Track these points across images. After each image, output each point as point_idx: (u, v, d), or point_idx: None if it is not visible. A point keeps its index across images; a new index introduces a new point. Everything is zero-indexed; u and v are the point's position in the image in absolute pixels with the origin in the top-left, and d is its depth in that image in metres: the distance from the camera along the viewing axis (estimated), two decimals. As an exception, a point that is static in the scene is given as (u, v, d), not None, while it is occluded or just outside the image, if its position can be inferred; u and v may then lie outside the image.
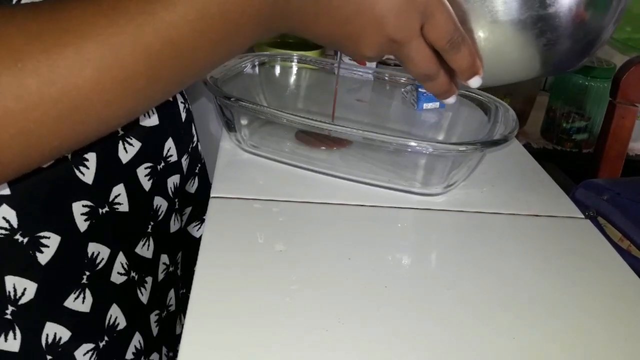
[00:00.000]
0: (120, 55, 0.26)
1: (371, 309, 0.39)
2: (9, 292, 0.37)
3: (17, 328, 0.37)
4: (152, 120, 0.47)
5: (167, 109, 0.51)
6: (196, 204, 0.58)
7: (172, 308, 0.56)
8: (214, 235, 0.44)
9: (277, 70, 0.68)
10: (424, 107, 0.67)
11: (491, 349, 0.37)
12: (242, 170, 0.55)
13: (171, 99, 0.51)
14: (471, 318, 0.39)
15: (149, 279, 0.50)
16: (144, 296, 0.49)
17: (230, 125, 0.57)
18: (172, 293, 0.56)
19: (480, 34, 0.36)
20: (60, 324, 0.40)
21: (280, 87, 0.69)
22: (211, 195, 0.50)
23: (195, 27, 0.28)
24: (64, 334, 0.41)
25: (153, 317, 0.52)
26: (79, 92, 0.26)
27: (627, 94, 0.59)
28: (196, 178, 0.59)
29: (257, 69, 0.67)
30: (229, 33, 0.30)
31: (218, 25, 0.29)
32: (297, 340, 0.35)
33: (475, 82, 0.38)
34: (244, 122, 0.56)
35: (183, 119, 0.54)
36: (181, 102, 0.55)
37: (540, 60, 0.37)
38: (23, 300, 0.38)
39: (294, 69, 0.69)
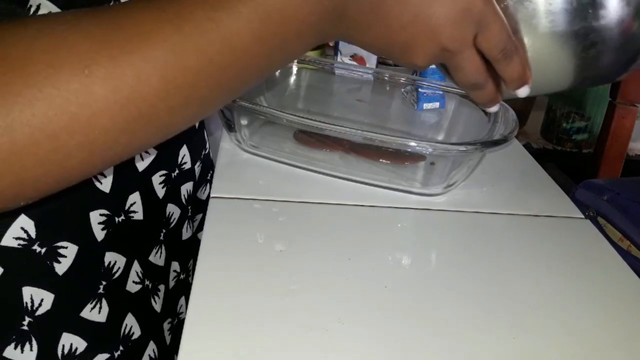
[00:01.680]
0: (185, 63, 0.26)
1: (371, 309, 0.39)
2: (26, 303, 0.37)
3: (33, 339, 0.37)
4: None
5: None
6: (207, 211, 0.58)
7: (183, 316, 0.56)
8: (214, 235, 0.44)
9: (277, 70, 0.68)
10: (424, 107, 0.67)
11: (491, 349, 0.37)
12: (242, 170, 0.55)
13: None
14: (471, 318, 0.39)
15: (162, 287, 0.50)
16: (157, 304, 0.49)
17: (230, 125, 0.57)
18: (182, 300, 0.56)
19: (530, 44, 0.36)
20: (77, 335, 0.40)
21: (280, 87, 0.69)
22: (211, 195, 0.50)
23: (257, 34, 0.28)
24: (80, 345, 0.40)
25: (166, 326, 0.52)
26: (144, 99, 0.26)
27: (627, 94, 0.59)
28: (207, 185, 0.58)
29: (257, 69, 0.67)
30: (288, 40, 0.30)
31: (279, 32, 0.29)
32: (297, 340, 0.35)
33: (523, 91, 0.38)
34: (244, 122, 0.56)
35: (197, 126, 0.54)
36: None
37: (585, 71, 0.37)
38: (40, 311, 0.38)
39: (294, 69, 0.69)
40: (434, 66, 0.72)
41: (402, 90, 0.69)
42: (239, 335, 0.35)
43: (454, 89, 0.65)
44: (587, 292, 0.43)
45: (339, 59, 0.76)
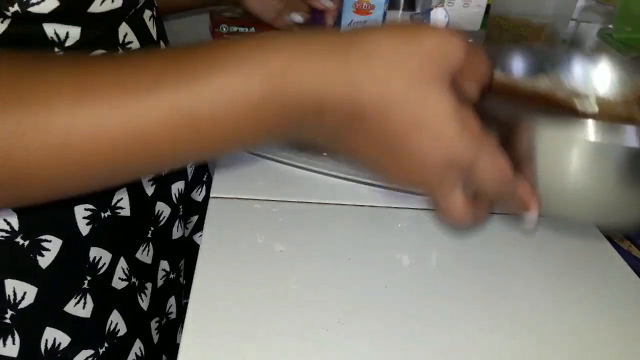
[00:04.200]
0: (77, 136, 0.25)
1: (371, 309, 0.38)
2: (9, 296, 0.37)
3: (16, 333, 0.37)
4: None
5: None
6: (203, 213, 0.58)
7: (173, 316, 0.56)
8: (214, 236, 0.44)
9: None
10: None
11: (491, 349, 0.36)
12: (242, 170, 0.55)
13: None
14: (471, 317, 0.39)
15: (149, 285, 0.50)
16: (144, 302, 0.49)
17: (230, 125, 0.57)
18: (172, 300, 0.55)
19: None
20: (60, 330, 0.40)
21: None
22: (211, 196, 0.50)
23: (170, 135, 0.26)
24: (64, 340, 0.40)
25: (153, 324, 0.51)
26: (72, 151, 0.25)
27: (627, 93, 0.59)
28: (203, 186, 0.58)
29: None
30: (214, 145, 0.28)
31: (197, 139, 0.27)
32: (297, 340, 0.35)
33: (529, 219, 0.33)
34: (244, 122, 0.56)
35: None
36: None
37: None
38: (23, 305, 0.38)
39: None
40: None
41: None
42: (238, 335, 0.35)
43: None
44: (587, 292, 0.43)
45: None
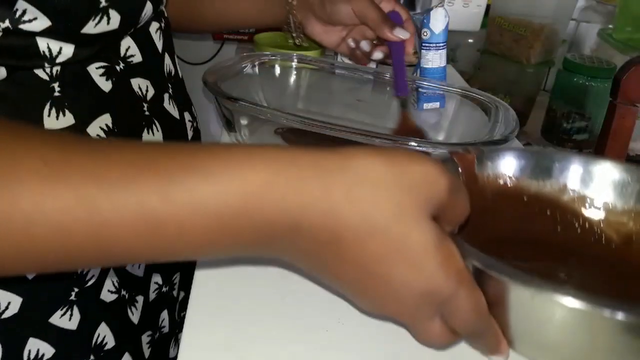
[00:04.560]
0: (40, 223, 0.24)
1: (371, 309, 0.38)
2: None
3: None
4: (157, 137, 0.47)
5: (173, 127, 0.50)
6: None
7: (165, 330, 0.55)
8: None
9: (277, 70, 0.68)
10: (424, 107, 0.67)
11: (491, 349, 0.36)
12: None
13: (178, 117, 0.51)
14: (471, 318, 0.39)
15: (140, 298, 0.49)
16: (134, 316, 0.48)
17: (230, 125, 0.57)
18: (165, 314, 0.55)
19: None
20: (45, 341, 0.40)
21: (280, 87, 0.69)
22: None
23: (136, 233, 0.25)
24: (48, 351, 0.40)
25: (145, 338, 0.50)
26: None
27: (628, 94, 0.59)
28: None
29: (257, 69, 0.67)
30: (184, 249, 0.27)
31: (165, 241, 0.26)
32: (297, 340, 0.35)
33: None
34: (243, 122, 0.56)
35: (190, 138, 0.54)
36: (189, 121, 0.54)
37: None
38: (6, 314, 0.37)
39: (294, 69, 0.69)
40: (434, 66, 0.72)
41: (402, 90, 0.69)
42: (238, 335, 0.35)
43: (454, 89, 0.65)
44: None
45: (339, 59, 0.75)
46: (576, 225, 0.45)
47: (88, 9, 0.37)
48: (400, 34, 0.63)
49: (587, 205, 0.45)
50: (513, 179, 0.46)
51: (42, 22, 0.35)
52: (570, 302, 0.28)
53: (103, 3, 0.37)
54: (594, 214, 0.45)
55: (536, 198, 0.46)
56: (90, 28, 0.37)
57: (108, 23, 0.38)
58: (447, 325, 0.30)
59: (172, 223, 0.25)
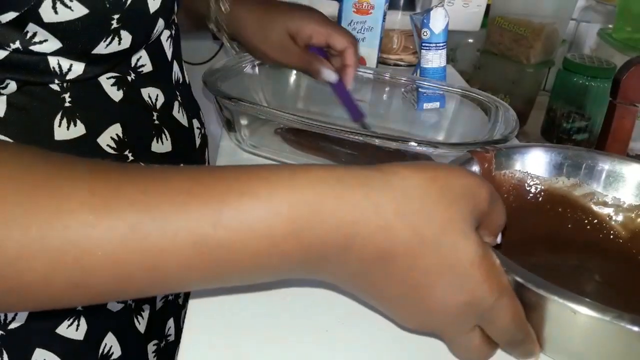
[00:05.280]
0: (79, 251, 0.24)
1: (371, 308, 0.38)
2: None
3: (4, 352, 0.37)
4: (166, 147, 0.47)
5: (182, 135, 0.50)
6: None
7: (171, 338, 0.55)
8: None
9: (277, 70, 0.68)
10: (424, 107, 0.67)
11: (491, 349, 0.36)
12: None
13: (187, 125, 0.51)
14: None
15: (146, 307, 0.49)
16: (141, 325, 0.48)
17: (230, 125, 0.57)
18: (171, 322, 0.55)
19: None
20: (51, 351, 0.40)
21: (280, 87, 0.69)
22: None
23: (186, 262, 0.25)
24: None
25: (151, 347, 0.50)
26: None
27: (627, 94, 0.59)
28: None
29: (257, 69, 0.67)
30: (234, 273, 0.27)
31: (219, 266, 0.26)
32: (297, 340, 0.35)
33: None
34: (244, 122, 0.56)
35: (197, 145, 0.54)
36: (197, 128, 0.54)
37: None
38: (13, 325, 0.37)
39: (294, 69, 0.69)
40: (434, 66, 0.72)
41: (402, 90, 0.69)
42: (238, 336, 0.35)
43: (454, 89, 0.65)
44: (588, 292, 0.43)
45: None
46: (593, 221, 0.46)
47: (100, 32, 0.36)
48: (327, 76, 0.61)
49: (606, 202, 0.46)
50: (535, 178, 0.46)
51: (52, 44, 0.35)
52: (615, 320, 0.29)
53: (114, 25, 0.37)
54: (612, 211, 0.46)
55: (557, 196, 0.46)
56: (101, 49, 0.37)
57: (119, 43, 0.38)
58: (485, 336, 0.31)
59: (224, 248, 0.25)
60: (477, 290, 0.28)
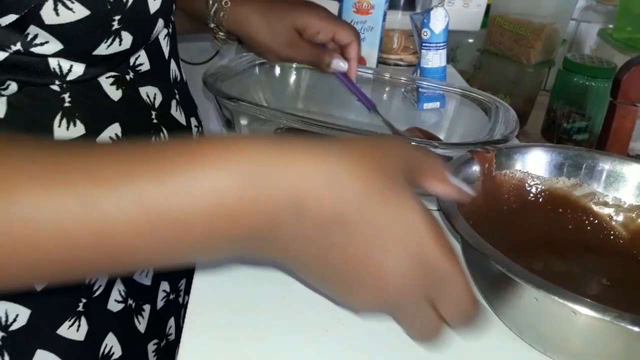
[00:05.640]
0: (31, 227, 0.24)
1: (371, 309, 0.38)
2: (0, 318, 0.36)
3: (5, 354, 0.37)
4: None
5: (180, 133, 0.50)
6: None
7: (172, 337, 0.55)
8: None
9: (277, 70, 0.68)
10: (424, 107, 0.67)
11: (491, 348, 0.36)
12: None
13: (184, 123, 0.51)
14: (471, 318, 0.39)
15: (147, 307, 0.49)
16: (141, 325, 0.48)
17: (230, 125, 0.57)
18: (172, 322, 0.54)
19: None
20: (52, 352, 0.40)
21: (280, 87, 0.69)
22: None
23: (137, 229, 0.25)
24: None
25: (151, 347, 0.50)
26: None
27: (628, 94, 0.59)
28: None
29: (257, 69, 0.67)
30: (181, 244, 0.27)
31: (170, 236, 0.26)
32: (297, 341, 0.35)
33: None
34: (243, 122, 0.56)
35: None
36: (195, 126, 0.54)
37: None
38: (14, 327, 0.37)
39: (294, 69, 0.69)
40: (434, 66, 0.72)
41: (402, 90, 0.69)
42: (238, 335, 0.35)
43: (454, 89, 0.65)
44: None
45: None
46: (594, 221, 0.46)
47: (101, 33, 0.36)
48: (339, 66, 0.62)
49: (607, 202, 0.46)
50: (535, 178, 0.46)
51: (53, 46, 0.35)
52: (616, 321, 0.29)
53: (115, 25, 0.37)
54: (613, 211, 0.46)
55: (558, 197, 0.46)
56: (102, 50, 0.37)
57: (120, 44, 0.38)
58: (438, 314, 0.30)
59: (174, 214, 0.25)
60: (425, 245, 0.28)
